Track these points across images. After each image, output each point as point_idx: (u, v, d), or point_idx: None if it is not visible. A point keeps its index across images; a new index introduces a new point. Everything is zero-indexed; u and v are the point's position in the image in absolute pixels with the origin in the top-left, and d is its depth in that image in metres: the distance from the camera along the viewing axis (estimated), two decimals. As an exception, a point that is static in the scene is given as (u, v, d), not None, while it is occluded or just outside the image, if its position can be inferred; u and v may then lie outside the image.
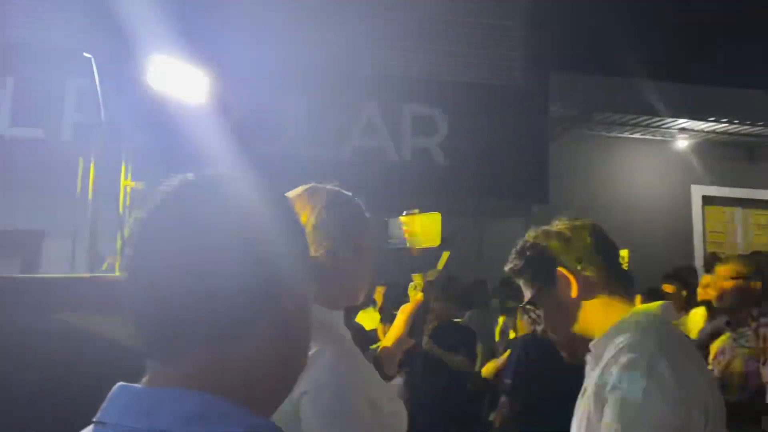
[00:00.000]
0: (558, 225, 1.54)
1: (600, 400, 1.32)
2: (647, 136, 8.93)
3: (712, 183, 9.07)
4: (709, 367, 3.24)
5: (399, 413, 1.35)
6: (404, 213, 1.61)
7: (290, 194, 1.38)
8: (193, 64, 5.84)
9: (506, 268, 1.61)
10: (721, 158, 9.04)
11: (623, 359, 1.31)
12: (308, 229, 1.31)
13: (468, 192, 7.48)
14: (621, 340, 1.36)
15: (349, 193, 1.43)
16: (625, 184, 8.93)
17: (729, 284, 3.15)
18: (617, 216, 8.73)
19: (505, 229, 7.55)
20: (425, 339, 4.48)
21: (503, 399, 3.58)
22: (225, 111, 6.19)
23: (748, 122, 8.28)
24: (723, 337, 3.27)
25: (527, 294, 1.55)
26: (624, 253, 6.22)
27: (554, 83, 8.04)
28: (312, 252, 1.30)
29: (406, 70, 7.42)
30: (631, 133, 8.89)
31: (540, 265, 1.50)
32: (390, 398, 1.34)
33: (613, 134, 8.89)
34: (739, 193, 9.26)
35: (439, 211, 1.61)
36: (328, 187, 1.42)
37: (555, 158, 7.90)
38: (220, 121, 6.20)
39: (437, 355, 4.32)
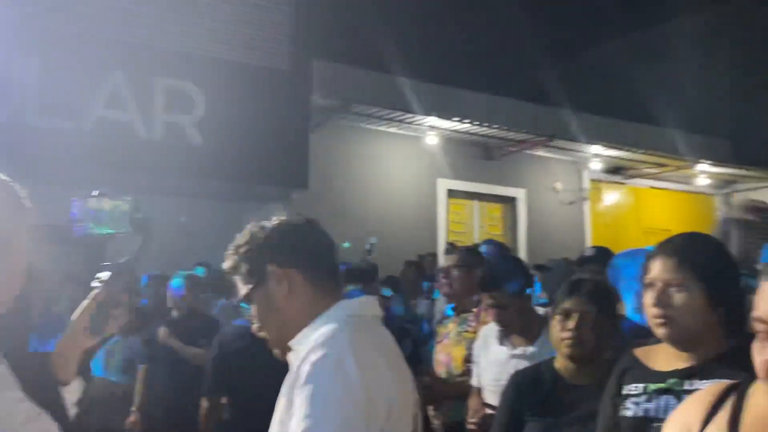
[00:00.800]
0: (274, 222, 1.53)
1: (293, 396, 1.32)
2: (401, 131, 9.44)
3: (455, 177, 9.92)
4: (438, 349, 3.46)
5: None
6: (93, 194, 1.40)
7: None
8: None
9: (223, 266, 1.55)
10: (463, 155, 9.93)
11: (314, 356, 1.32)
12: None
13: (225, 175, 7.22)
14: (316, 336, 1.38)
15: (5, 178, 1.18)
16: (381, 174, 9.36)
17: (454, 272, 3.39)
18: (372, 205, 9.15)
19: (265, 214, 7.38)
20: (163, 330, 4.19)
21: (202, 400, 3.29)
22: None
23: (486, 124, 9.17)
24: (449, 323, 3.50)
25: (242, 292, 1.51)
26: (373, 240, 6.46)
27: (317, 72, 8.11)
28: None
29: (159, 40, 6.87)
30: (387, 127, 9.32)
31: (253, 263, 1.47)
32: (27, 419, 1.13)
33: (370, 126, 9.25)
34: (477, 188, 10.27)
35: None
36: None
37: (315, 146, 7.97)
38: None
39: (174, 348, 4.07)
